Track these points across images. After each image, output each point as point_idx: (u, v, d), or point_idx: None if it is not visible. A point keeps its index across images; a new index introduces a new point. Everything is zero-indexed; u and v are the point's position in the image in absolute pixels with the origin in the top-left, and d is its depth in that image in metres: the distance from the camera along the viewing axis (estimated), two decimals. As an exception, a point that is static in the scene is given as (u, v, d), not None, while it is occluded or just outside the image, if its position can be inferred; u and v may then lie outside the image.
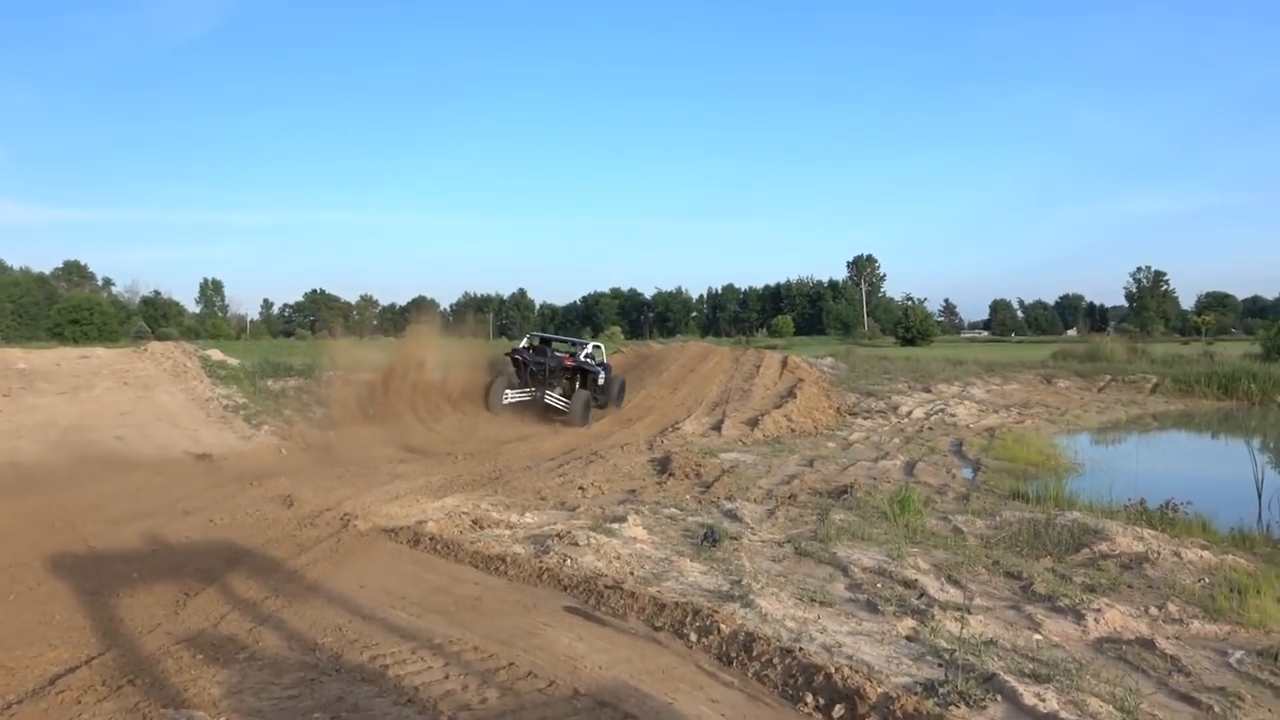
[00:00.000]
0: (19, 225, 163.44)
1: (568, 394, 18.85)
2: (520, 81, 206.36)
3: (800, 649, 5.14)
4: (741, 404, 21.00)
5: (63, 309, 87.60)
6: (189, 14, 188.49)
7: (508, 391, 18.66)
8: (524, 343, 20.50)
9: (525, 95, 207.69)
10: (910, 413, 21.88)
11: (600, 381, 19.47)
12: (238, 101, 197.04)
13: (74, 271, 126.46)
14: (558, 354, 19.62)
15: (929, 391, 26.13)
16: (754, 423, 18.42)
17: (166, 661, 5.10)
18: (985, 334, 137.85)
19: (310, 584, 6.65)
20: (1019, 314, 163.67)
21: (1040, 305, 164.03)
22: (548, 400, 18.58)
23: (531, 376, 18.98)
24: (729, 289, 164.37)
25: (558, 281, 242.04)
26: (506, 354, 20.09)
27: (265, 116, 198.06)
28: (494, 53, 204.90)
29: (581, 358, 19.39)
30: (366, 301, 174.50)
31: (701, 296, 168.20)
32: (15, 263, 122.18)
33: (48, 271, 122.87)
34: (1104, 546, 8.49)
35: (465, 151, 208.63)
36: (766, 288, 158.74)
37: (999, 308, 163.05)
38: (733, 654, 5.23)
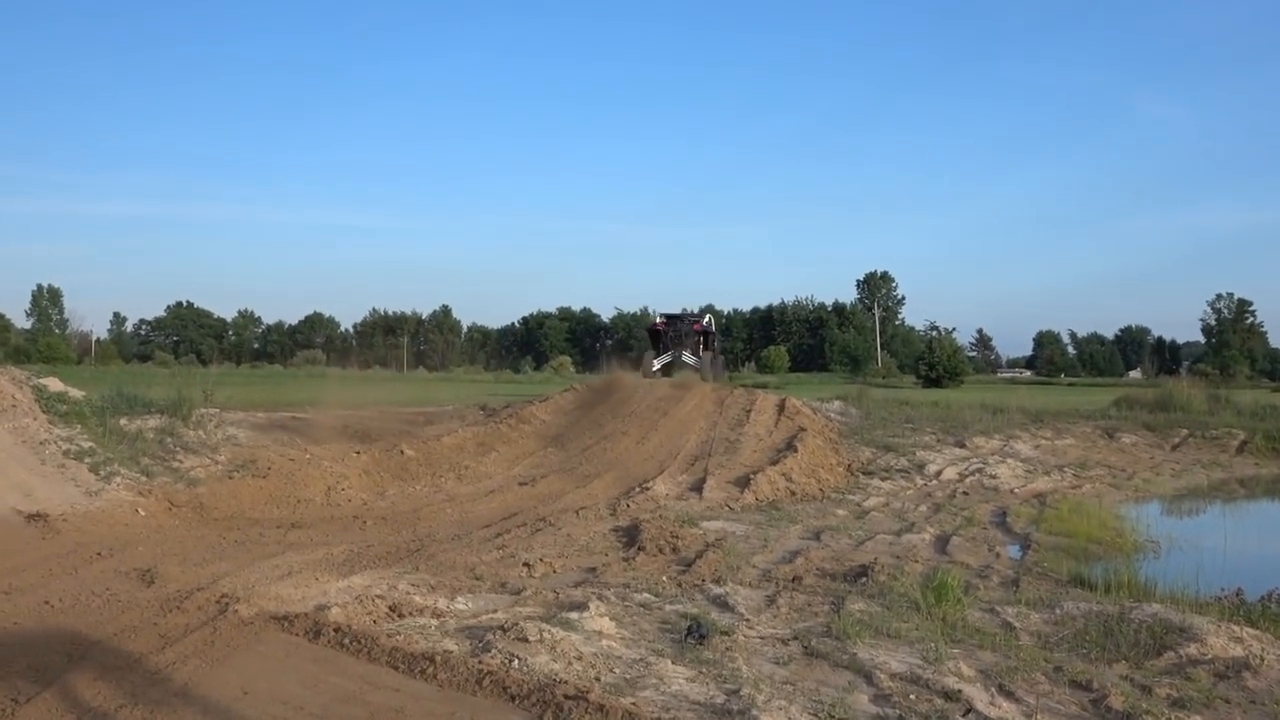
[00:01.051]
0: None
1: (696, 353, 30.07)
2: (443, 42, 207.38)
3: (821, 782, 5.07)
4: (728, 458, 21.03)
5: None
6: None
7: (655, 361, 29.29)
8: (657, 319, 32.82)
9: (448, 61, 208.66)
10: (940, 473, 22.02)
11: (715, 345, 32.00)
12: (79, 55, 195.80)
13: None
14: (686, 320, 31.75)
15: (963, 447, 26.31)
16: (744, 483, 18.44)
17: (-11, 792, 4.92)
18: (1028, 373, 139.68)
19: (179, 688, 6.48)
20: (1070, 350, 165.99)
21: (1097, 340, 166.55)
22: (684, 358, 29.29)
23: (671, 340, 30.68)
24: (708, 311, 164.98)
25: (491, 298, 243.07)
26: (647, 328, 33.37)
27: (116, 88, 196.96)
28: (403, 13, 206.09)
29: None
30: (246, 319, 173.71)
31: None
32: None
33: None
34: (1193, 649, 8.52)
35: (371, 133, 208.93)
36: (755, 311, 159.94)
37: (1045, 341, 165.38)
38: (733, 788, 5.15)
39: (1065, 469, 24.20)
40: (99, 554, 10.63)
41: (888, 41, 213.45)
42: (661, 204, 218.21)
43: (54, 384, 17.66)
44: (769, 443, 23.15)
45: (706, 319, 33.71)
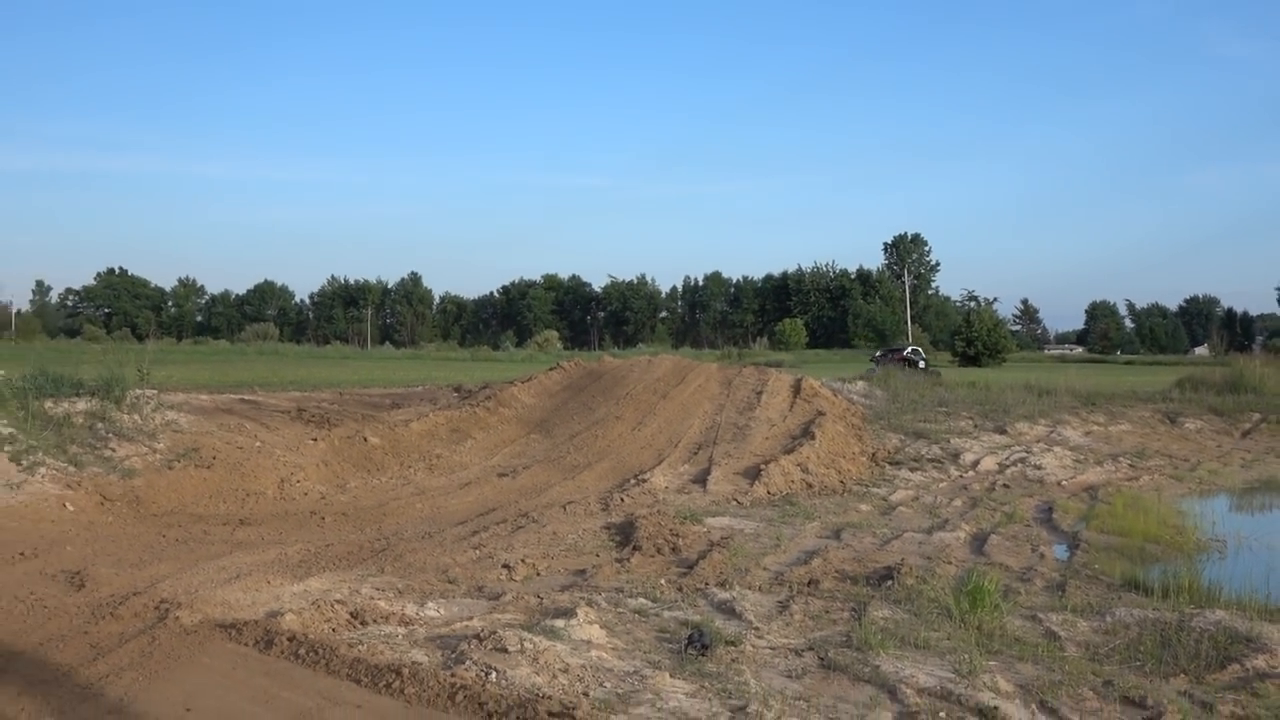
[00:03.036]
0: None
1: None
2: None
3: (837, 809, 5.13)
4: (736, 447, 21.09)
5: None
6: None
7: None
8: (878, 352, 70.25)
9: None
10: (977, 463, 22.10)
11: (920, 364, 58.42)
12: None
13: None
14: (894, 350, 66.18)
15: (1004, 433, 26.42)
16: (754, 474, 18.51)
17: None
18: (1079, 350, 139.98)
19: (113, 704, 6.55)
20: (1127, 323, 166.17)
21: (1158, 311, 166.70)
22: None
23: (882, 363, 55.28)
24: (714, 279, 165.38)
25: (467, 265, 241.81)
26: (871, 358, 65.55)
27: (34, 22, 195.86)
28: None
29: (907, 353, 64.22)
30: (187, 288, 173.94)
31: (675, 289, 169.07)
32: None
33: None
34: (1261, 662, 8.59)
35: (324, 72, 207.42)
36: (769, 279, 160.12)
37: (1099, 314, 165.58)
38: (738, 815, 5.21)
39: (1120, 458, 24.27)
40: (21, 554, 10.69)
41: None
42: (659, 153, 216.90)
43: (-31, 362, 17.72)
44: (783, 429, 23.21)
45: (909, 349, 56.37)
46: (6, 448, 14.44)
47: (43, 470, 14.14)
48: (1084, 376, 46.22)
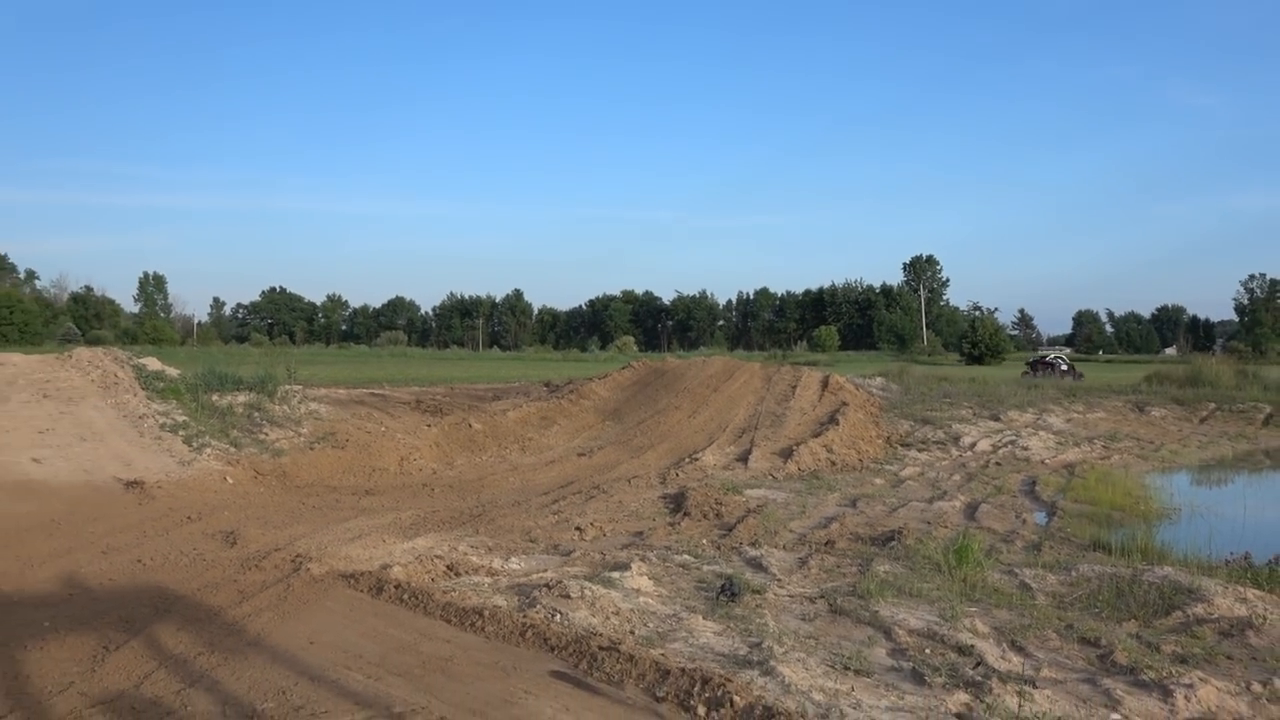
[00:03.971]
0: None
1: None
2: (509, 47, 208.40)
3: (828, 727, 5.12)
4: (773, 431, 21.00)
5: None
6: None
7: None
8: (1030, 359, 62.50)
9: (515, 63, 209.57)
10: (974, 445, 21.84)
11: (1064, 368, 52.37)
12: (182, 66, 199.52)
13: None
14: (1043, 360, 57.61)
15: (997, 420, 26.09)
16: (787, 454, 18.43)
17: (78, 727, 5.12)
18: (1068, 351, 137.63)
19: (252, 638, 6.67)
20: (1108, 328, 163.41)
21: (1134, 319, 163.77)
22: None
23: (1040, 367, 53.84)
24: (763, 294, 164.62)
25: (560, 282, 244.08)
26: (1026, 362, 60.87)
27: (215, 85, 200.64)
28: (477, 15, 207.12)
29: (1051, 359, 57.82)
30: (334, 303, 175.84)
31: (730, 302, 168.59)
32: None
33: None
34: (1199, 609, 8.43)
35: (448, 129, 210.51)
36: (808, 293, 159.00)
37: (1084, 320, 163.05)
38: (748, 731, 5.21)
39: (1095, 441, 23.87)
40: (188, 518, 10.91)
41: (930, 38, 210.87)
42: (718, 194, 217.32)
43: (152, 363, 18.09)
44: (813, 416, 23.08)
45: (1052, 355, 60.17)
46: (180, 432, 14.73)
47: (208, 450, 14.40)
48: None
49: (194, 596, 7.71)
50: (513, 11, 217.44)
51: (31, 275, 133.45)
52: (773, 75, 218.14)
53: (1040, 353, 75.34)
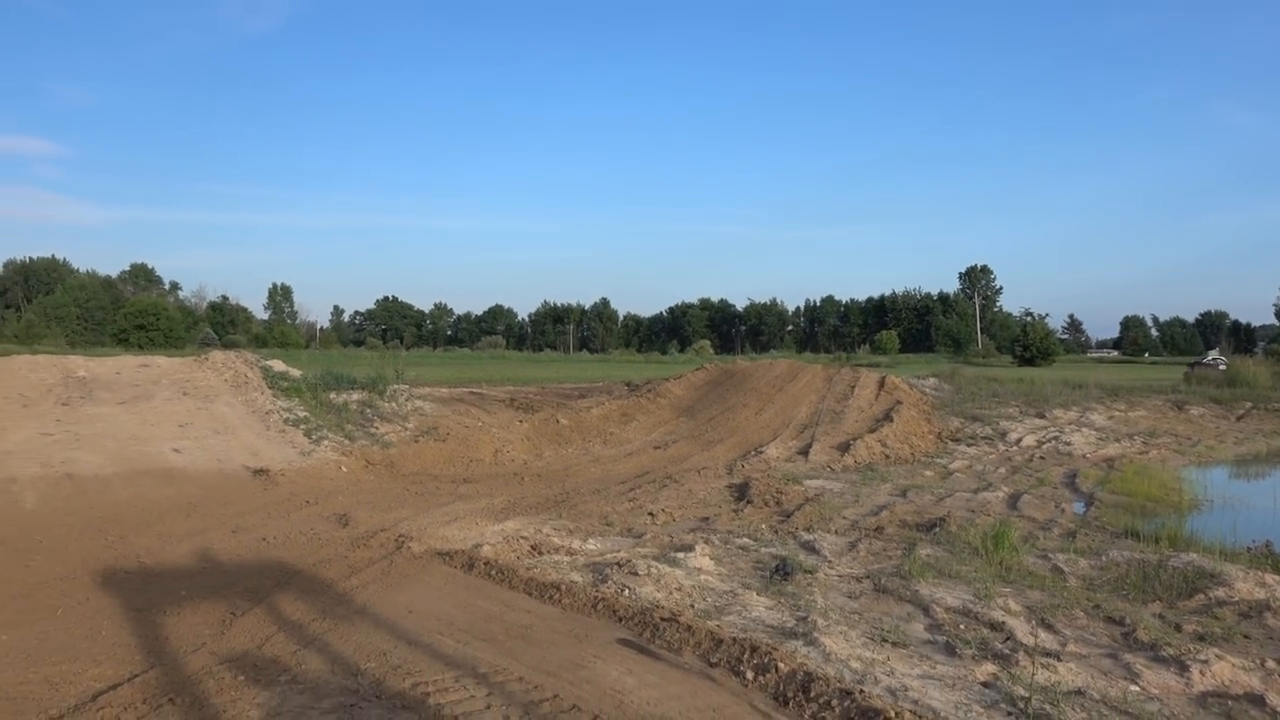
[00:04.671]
0: (84, 226, 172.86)
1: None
2: (595, 77, 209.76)
3: (861, 691, 5.19)
4: (832, 427, 20.91)
5: (128, 314, 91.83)
6: (256, 7, 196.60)
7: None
8: (1192, 361, 58.91)
9: (601, 90, 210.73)
10: (1020, 440, 21.50)
11: (1221, 368, 42.50)
12: (306, 99, 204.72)
13: (140, 275, 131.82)
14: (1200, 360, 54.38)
15: (1043, 417, 25.60)
16: (845, 448, 18.34)
17: (208, 682, 5.40)
18: (1115, 353, 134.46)
19: (359, 607, 6.93)
20: (1153, 332, 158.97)
21: (1178, 323, 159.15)
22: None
23: (1199, 365, 48.75)
24: (828, 301, 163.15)
25: (643, 291, 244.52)
26: (1188, 364, 55.82)
27: (334, 114, 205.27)
28: (567, 47, 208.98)
29: (1208, 360, 51.96)
30: (441, 310, 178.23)
31: (798, 309, 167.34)
32: (81, 265, 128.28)
33: (114, 274, 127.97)
34: (1221, 592, 8.29)
35: (541, 155, 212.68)
36: (870, 300, 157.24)
37: (1131, 325, 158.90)
38: (789, 694, 5.30)
39: (1135, 437, 23.32)
40: (307, 502, 11.28)
41: (986, 62, 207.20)
42: (788, 209, 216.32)
43: (278, 365, 18.65)
44: (869, 414, 22.91)
45: (1211, 357, 57.04)
46: (301, 426, 15.18)
47: (326, 442, 14.81)
48: (1112, 374, 44.54)
49: (310, 570, 8.01)
50: (593, 60, 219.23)
51: (175, 286, 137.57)
52: (835, 101, 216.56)
53: (1201, 355, 71.66)
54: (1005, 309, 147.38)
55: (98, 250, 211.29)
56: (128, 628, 6.43)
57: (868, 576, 8.56)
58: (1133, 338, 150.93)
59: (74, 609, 6.87)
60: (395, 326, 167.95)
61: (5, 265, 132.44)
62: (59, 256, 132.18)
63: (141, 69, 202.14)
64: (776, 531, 10.73)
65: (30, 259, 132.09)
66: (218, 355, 18.55)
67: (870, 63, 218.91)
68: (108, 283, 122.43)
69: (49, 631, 6.35)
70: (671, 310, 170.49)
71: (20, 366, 14.77)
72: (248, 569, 8.08)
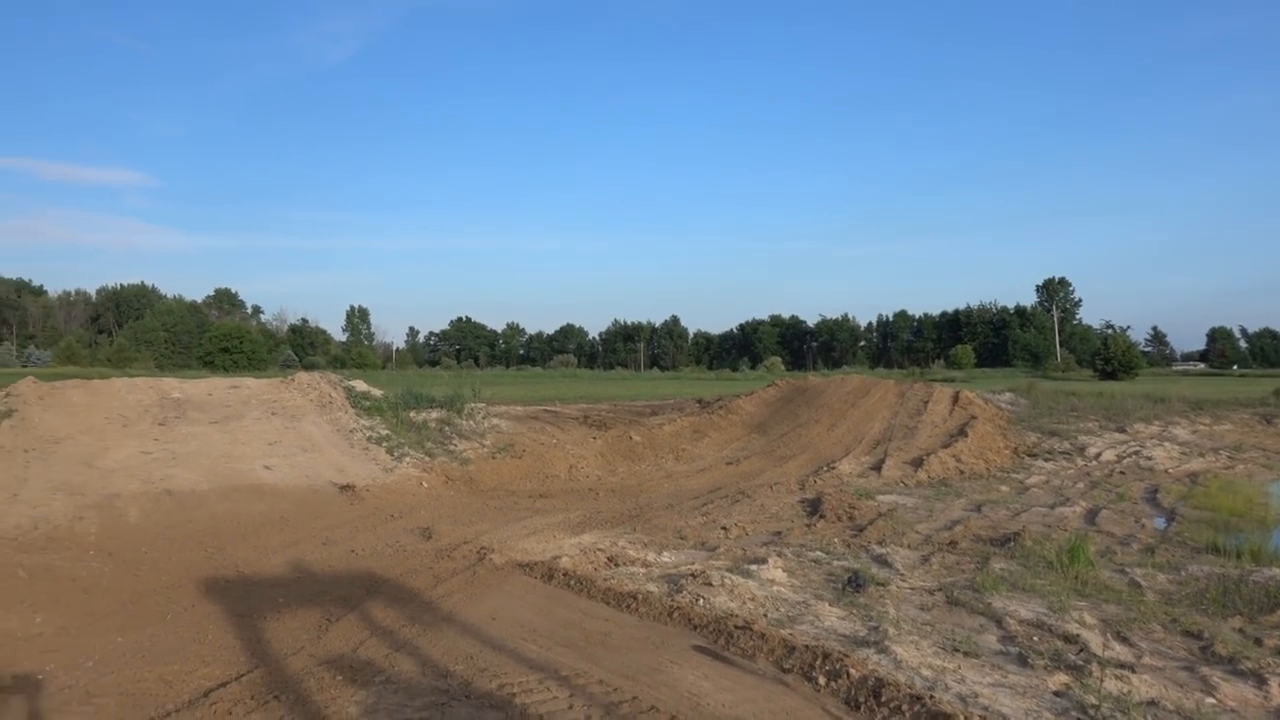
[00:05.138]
0: (172, 253, 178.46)
1: None
2: (667, 98, 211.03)
3: (931, 697, 5.33)
4: (905, 442, 20.85)
5: (214, 337, 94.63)
6: (334, 38, 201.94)
7: None
8: None
9: (672, 111, 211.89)
10: (1099, 455, 21.20)
11: None
12: (381, 127, 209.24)
13: (225, 299, 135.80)
14: None
15: (1123, 432, 25.20)
16: (918, 463, 18.30)
17: (309, 681, 5.74)
18: (1201, 366, 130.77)
19: (445, 614, 7.24)
20: (1242, 344, 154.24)
21: (1269, 334, 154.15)
22: None
23: None
24: (901, 316, 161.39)
25: (713, 308, 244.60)
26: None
27: (408, 142, 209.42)
28: (636, 69, 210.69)
29: None
30: (513, 330, 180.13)
31: (870, 324, 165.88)
32: (169, 290, 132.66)
33: (200, 299, 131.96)
34: (1303, 607, 8.22)
35: (607, 179, 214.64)
36: (944, 314, 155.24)
37: (1218, 336, 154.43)
38: (861, 699, 5.47)
39: (1220, 451, 22.82)
40: (391, 516, 11.68)
41: (1063, 68, 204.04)
42: (858, 220, 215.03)
43: (360, 385, 19.20)
44: (943, 429, 22.78)
45: None
46: (384, 443, 15.64)
47: (407, 459, 15.24)
48: (1197, 388, 43.48)
49: (397, 580, 8.36)
50: (655, 97, 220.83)
51: (257, 310, 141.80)
52: (911, 105, 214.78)
53: None
54: (1085, 322, 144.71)
55: (184, 276, 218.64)
56: (231, 632, 6.83)
57: (940, 589, 8.64)
58: (1220, 350, 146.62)
59: (180, 615, 7.30)
60: (469, 346, 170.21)
61: (99, 292, 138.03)
62: (148, 283, 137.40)
63: (224, 100, 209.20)
64: (849, 545, 10.82)
65: (121, 285, 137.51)
66: (303, 376, 19.14)
67: (950, 64, 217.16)
68: (194, 307, 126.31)
69: (159, 635, 6.77)
70: (742, 327, 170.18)
71: (119, 389, 15.45)
72: (339, 578, 8.46)
